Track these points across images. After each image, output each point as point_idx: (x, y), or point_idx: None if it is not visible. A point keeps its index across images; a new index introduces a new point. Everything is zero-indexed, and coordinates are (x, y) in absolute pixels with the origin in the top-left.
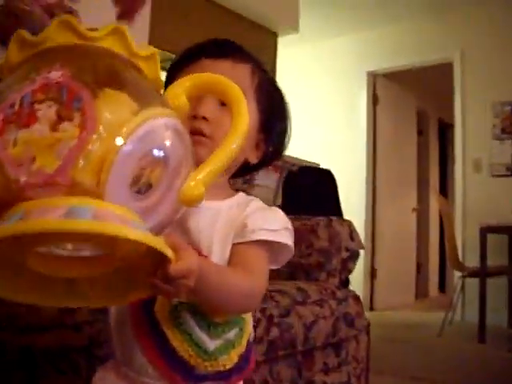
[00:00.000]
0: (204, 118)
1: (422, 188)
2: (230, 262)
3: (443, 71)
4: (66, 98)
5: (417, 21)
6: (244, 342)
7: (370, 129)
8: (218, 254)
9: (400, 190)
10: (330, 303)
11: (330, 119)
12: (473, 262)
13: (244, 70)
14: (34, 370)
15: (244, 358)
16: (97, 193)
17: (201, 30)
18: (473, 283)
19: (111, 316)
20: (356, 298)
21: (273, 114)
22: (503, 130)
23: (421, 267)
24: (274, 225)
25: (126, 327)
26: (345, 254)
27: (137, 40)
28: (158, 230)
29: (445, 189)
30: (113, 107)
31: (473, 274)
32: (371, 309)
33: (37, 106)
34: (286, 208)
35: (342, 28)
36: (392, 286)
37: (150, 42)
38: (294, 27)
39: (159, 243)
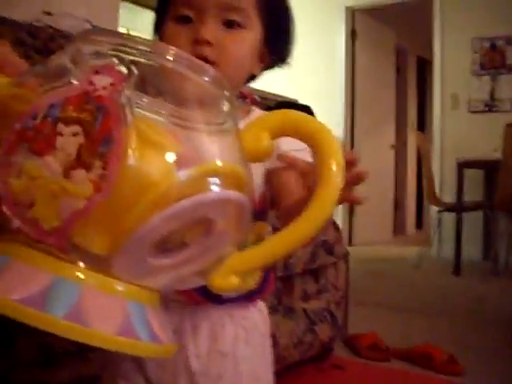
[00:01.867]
0: (208, 43)
1: (400, 125)
2: (273, 185)
3: (423, 7)
4: (97, 128)
5: None
6: None
7: (348, 65)
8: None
9: (378, 126)
10: None
11: (308, 55)
12: (450, 197)
13: None
14: None
15: (264, 278)
16: (103, 259)
17: None
18: (449, 218)
19: None
20: (335, 225)
21: (278, 28)
22: (482, 66)
23: (398, 204)
24: (300, 144)
25: None
26: None
27: None
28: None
29: (423, 125)
30: (151, 158)
31: (450, 208)
32: (350, 244)
33: (60, 128)
34: None
35: None
36: (370, 223)
37: None
38: None
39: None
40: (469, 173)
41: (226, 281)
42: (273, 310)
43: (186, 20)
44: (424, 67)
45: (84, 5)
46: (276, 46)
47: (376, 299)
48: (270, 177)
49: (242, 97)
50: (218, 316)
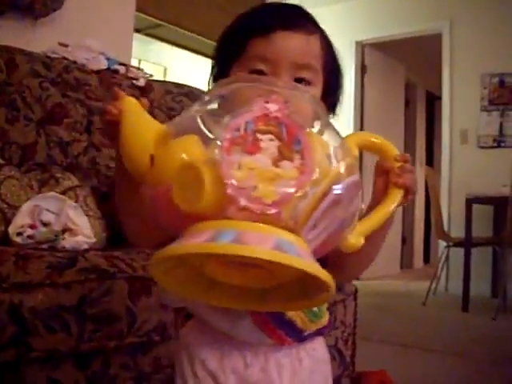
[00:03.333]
0: None
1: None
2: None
3: (432, 42)
4: (286, 136)
5: None
6: None
7: (357, 98)
8: None
9: None
10: None
11: None
12: (458, 232)
13: (316, 42)
14: (24, 328)
15: (330, 312)
16: (294, 231)
17: None
18: (457, 254)
19: None
20: None
21: (335, 80)
22: (491, 102)
23: (406, 238)
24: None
25: None
26: None
27: (122, 3)
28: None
29: (431, 160)
30: (323, 153)
31: (458, 243)
32: (357, 278)
33: (259, 136)
34: None
35: None
36: (377, 257)
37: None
38: None
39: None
40: (478, 208)
41: (357, 241)
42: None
43: (260, 74)
44: (433, 102)
45: (99, 37)
46: (330, 100)
47: (383, 335)
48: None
49: None
50: (296, 351)
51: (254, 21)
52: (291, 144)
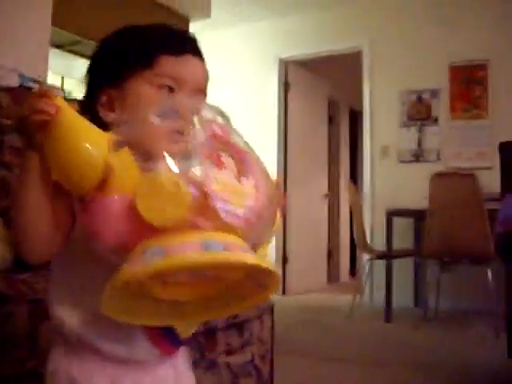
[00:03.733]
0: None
1: (333, 174)
2: None
3: (353, 60)
4: (235, 155)
5: (328, 9)
6: None
7: (280, 115)
8: None
9: (311, 176)
10: None
11: (241, 105)
12: (381, 245)
13: (206, 69)
14: None
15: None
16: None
17: (108, 12)
18: (380, 266)
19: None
20: None
21: None
22: (409, 118)
23: (332, 252)
24: None
25: None
26: None
27: (37, 18)
28: None
29: (355, 175)
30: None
31: (380, 256)
32: (283, 293)
33: (220, 152)
34: None
35: (253, 15)
36: (304, 272)
37: (53, 22)
38: (205, 12)
39: (271, 264)
40: (398, 221)
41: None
42: (195, 364)
43: (170, 90)
44: (356, 118)
45: (11, 53)
46: None
47: (305, 349)
48: None
49: None
50: (176, 362)
51: (165, 40)
52: (242, 162)
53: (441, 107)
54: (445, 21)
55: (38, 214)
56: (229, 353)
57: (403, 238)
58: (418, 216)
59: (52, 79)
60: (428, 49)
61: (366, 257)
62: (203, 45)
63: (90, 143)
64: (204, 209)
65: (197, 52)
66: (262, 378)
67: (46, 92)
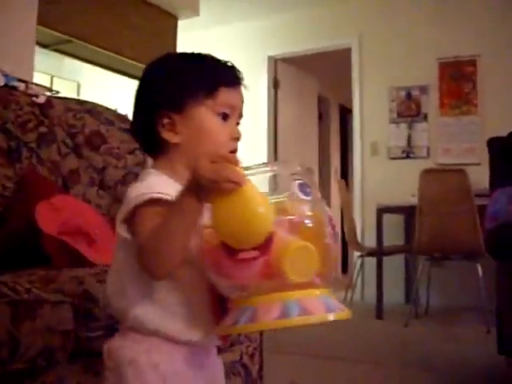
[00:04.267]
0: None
1: (324, 172)
2: None
3: (342, 57)
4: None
5: (317, 7)
6: None
7: (270, 113)
8: None
9: None
10: None
11: None
12: (371, 242)
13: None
14: None
15: None
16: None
17: (97, 11)
18: (371, 263)
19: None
20: None
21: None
22: (399, 114)
23: None
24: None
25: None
26: None
27: (22, 18)
28: None
29: (346, 172)
30: None
31: (370, 253)
32: None
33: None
34: None
35: (243, 13)
36: None
37: (40, 22)
38: (194, 10)
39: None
40: (388, 218)
41: None
42: None
43: (225, 118)
44: (346, 115)
45: None
46: None
47: (296, 347)
48: None
49: None
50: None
51: (225, 74)
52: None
53: (430, 103)
54: (434, 17)
55: (184, 250)
56: (217, 352)
57: (394, 235)
58: (408, 212)
59: (40, 79)
60: (417, 45)
61: (356, 254)
62: (192, 43)
63: (265, 213)
64: (322, 273)
65: (242, 82)
66: (250, 377)
67: (237, 161)
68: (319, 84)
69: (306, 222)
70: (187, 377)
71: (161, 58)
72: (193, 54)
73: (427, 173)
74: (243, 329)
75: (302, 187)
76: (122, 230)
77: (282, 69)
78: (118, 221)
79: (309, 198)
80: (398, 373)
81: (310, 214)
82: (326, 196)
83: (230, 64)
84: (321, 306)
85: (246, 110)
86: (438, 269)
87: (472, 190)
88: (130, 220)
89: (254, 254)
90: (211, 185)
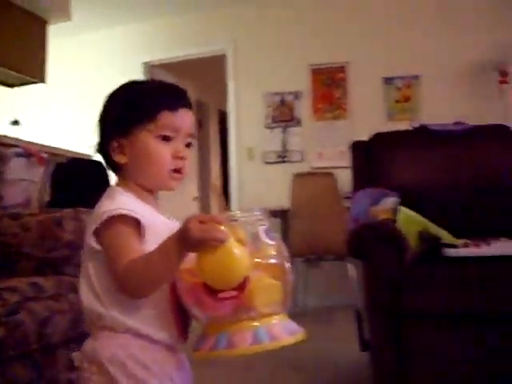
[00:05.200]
0: (183, 158)
1: (204, 177)
2: None
3: (219, 62)
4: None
5: (192, 12)
6: None
7: None
8: None
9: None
10: (68, 297)
11: None
12: None
13: (192, 115)
14: None
15: None
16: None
17: None
18: None
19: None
20: None
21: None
22: (273, 120)
23: None
24: None
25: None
26: None
27: None
28: None
29: (227, 177)
30: None
31: None
32: None
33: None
34: (58, 202)
35: (116, 18)
36: None
37: None
38: (65, 14)
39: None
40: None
41: None
42: None
43: (167, 140)
44: (225, 121)
45: None
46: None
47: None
48: None
49: (28, 155)
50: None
51: (165, 99)
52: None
53: (303, 109)
54: (306, 25)
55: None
56: (71, 368)
57: None
58: (284, 216)
59: None
60: (289, 51)
61: None
62: (65, 50)
63: (244, 262)
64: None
65: (188, 104)
66: None
67: (222, 220)
68: (197, 90)
69: (272, 261)
70: (168, 363)
71: (118, 87)
72: (141, 81)
73: (298, 177)
74: (221, 354)
75: (267, 232)
76: (92, 242)
77: (158, 75)
78: (88, 233)
79: (273, 242)
80: (268, 375)
81: (274, 254)
82: (206, 201)
83: (174, 87)
84: (284, 331)
85: None
86: (314, 270)
87: (341, 193)
88: (100, 233)
89: (233, 293)
90: (199, 243)
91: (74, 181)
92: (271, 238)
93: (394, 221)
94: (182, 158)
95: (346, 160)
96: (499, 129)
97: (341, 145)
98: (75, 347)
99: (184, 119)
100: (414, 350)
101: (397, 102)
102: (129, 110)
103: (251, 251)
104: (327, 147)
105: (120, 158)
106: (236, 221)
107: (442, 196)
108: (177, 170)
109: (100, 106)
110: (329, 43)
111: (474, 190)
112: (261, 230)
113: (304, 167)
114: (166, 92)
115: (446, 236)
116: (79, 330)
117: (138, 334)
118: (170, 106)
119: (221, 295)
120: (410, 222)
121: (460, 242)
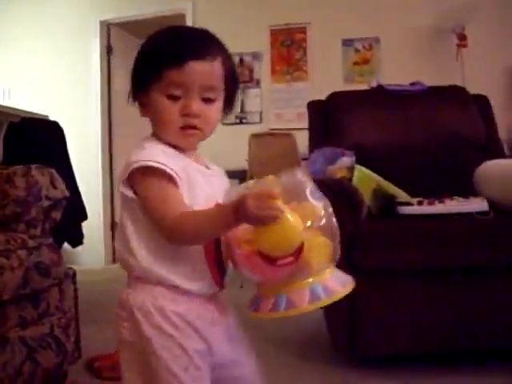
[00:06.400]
0: (196, 115)
1: None
2: None
3: (178, 22)
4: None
5: None
6: None
7: (103, 80)
8: None
9: (138, 138)
10: (18, 253)
11: (63, 70)
12: None
13: (218, 65)
14: None
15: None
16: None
17: None
18: None
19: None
20: (52, 246)
21: (234, 91)
22: None
23: None
24: None
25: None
26: (46, 203)
27: None
28: None
29: None
30: None
31: None
32: (114, 261)
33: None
34: (8, 161)
35: None
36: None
37: None
38: None
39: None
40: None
41: None
42: None
43: (175, 98)
44: None
45: None
46: (230, 102)
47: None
48: None
49: None
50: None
51: (168, 53)
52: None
53: (262, 70)
54: None
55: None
56: (23, 326)
57: None
58: (242, 177)
59: None
60: (249, 12)
61: None
62: (17, 6)
63: (299, 231)
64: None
65: (198, 54)
66: (64, 350)
67: (277, 195)
68: None
69: (322, 223)
70: (206, 311)
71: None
72: (164, 29)
73: (255, 137)
74: (283, 314)
75: (313, 193)
76: (123, 189)
77: (115, 34)
78: (119, 181)
79: (320, 202)
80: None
81: (323, 214)
82: None
83: (184, 36)
84: (338, 283)
85: (76, 81)
86: None
87: (300, 155)
88: (133, 182)
89: (290, 259)
90: (257, 220)
91: (28, 140)
92: (318, 198)
93: (350, 179)
94: (190, 115)
95: (305, 122)
96: (455, 89)
97: (300, 106)
98: (28, 304)
99: (194, 73)
100: (367, 305)
101: (355, 63)
102: (140, 68)
103: (302, 216)
104: (286, 109)
105: (145, 114)
106: (285, 187)
107: (399, 155)
108: (188, 127)
109: (60, 66)
110: (290, 3)
111: (431, 149)
112: (308, 191)
113: (263, 128)
114: (172, 43)
115: (400, 194)
116: (32, 288)
117: (171, 286)
118: (174, 60)
119: (279, 262)
120: (365, 179)
121: (415, 200)
